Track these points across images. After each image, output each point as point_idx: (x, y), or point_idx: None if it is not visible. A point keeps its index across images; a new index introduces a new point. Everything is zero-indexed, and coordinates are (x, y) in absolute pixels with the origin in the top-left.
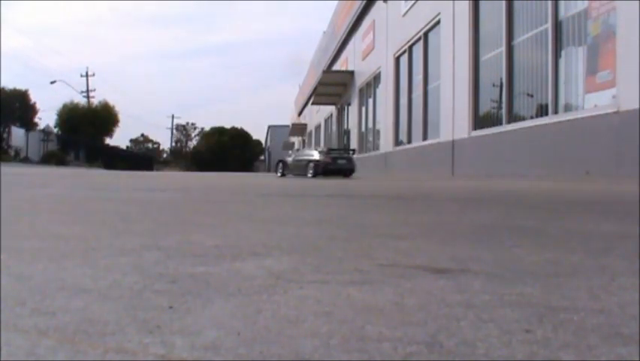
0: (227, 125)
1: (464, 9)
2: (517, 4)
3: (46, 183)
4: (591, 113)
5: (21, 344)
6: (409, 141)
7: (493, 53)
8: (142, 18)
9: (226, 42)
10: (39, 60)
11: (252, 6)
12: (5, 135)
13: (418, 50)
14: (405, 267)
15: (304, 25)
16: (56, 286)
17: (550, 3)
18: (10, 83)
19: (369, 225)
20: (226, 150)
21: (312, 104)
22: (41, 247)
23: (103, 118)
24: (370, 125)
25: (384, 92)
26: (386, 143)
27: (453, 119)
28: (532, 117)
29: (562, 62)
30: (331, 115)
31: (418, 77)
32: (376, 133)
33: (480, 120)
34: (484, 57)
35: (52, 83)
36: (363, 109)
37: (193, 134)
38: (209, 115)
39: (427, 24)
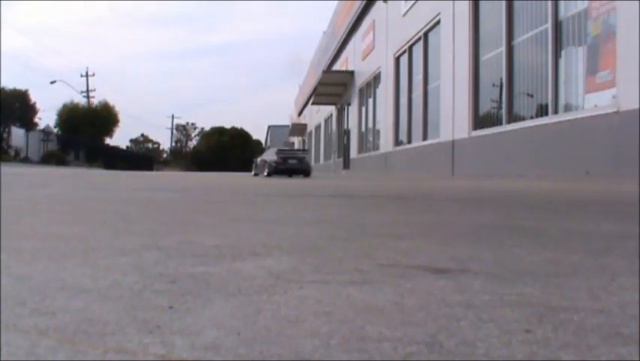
0: (227, 125)
1: (464, 9)
2: (517, 4)
3: (46, 183)
4: (591, 113)
5: (21, 344)
6: (409, 141)
7: (493, 53)
8: (142, 18)
9: (226, 42)
10: (39, 60)
11: (252, 6)
12: (5, 135)
13: (418, 50)
14: (405, 267)
15: (304, 25)
16: (56, 286)
17: (550, 3)
18: (10, 83)
19: (369, 225)
20: (226, 150)
21: (312, 104)
22: (41, 247)
23: (103, 118)
24: (370, 125)
25: (384, 92)
26: (386, 143)
27: (453, 119)
28: (532, 117)
29: (562, 62)
30: (331, 115)
31: (418, 77)
32: (376, 133)
33: (480, 120)
34: (484, 57)
35: (52, 83)
36: (363, 109)
37: (193, 135)
38: (209, 115)
39: (427, 24)
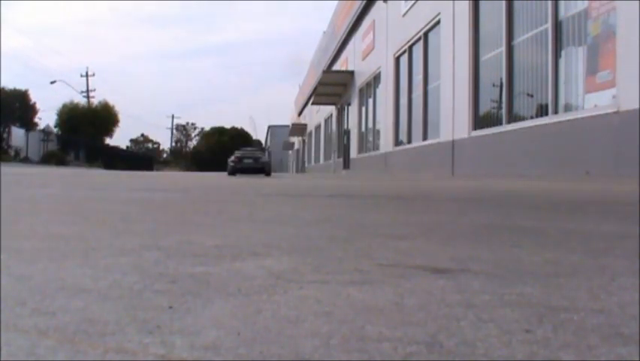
0: (227, 125)
1: (464, 9)
2: (517, 4)
3: (46, 183)
4: (591, 113)
5: (21, 344)
6: (409, 141)
7: (493, 53)
8: (142, 18)
9: (226, 42)
10: (39, 60)
11: (252, 6)
12: (5, 135)
13: (418, 50)
14: (405, 267)
15: (304, 25)
16: (56, 286)
17: (550, 3)
18: (10, 83)
19: (369, 225)
20: (226, 150)
21: (312, 104)
22: (41, 247)
23: (103, 118)
24: (370, 125)
25: (384, 92)
26: (386, 143)
27: (453, 119)
28: (532, 117)
29: (562, 62)
30: (331, 115)
31: (418, 77)
32: (376, 133)
33: (480, 120)
34: (484, 57)
35: (52, 83)
36: (363, 109)
37: (193, 135)
38: (209, 115)
39: (427, 24)
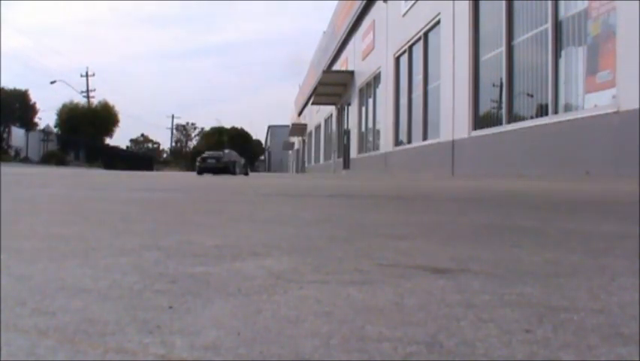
0: (228, 125)
1: (464, 9)
2: (517, 4)
3: (46, 183)
4: (591, 113)
5: (21, 344)
6: (409, 141)
7: (493, 53)
8: (142, 18)
9: (226, 42)
10: (39, 60)
11: (252, 6)
12: (5, 135)
13: (418, 50)
14: (405, 267)
15: (304, 25)
16: (56, 286)
17: (550, 3)
18: (10, 83)
19: (369, 225)
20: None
21: (312, 104)
22: (41, 247)
23: (103, 118)
24: (370, 125)
25: (384, 92)
26: (386, 143)
27: (453, 119)
28: (532, 117)
29: (562, 62)
30: (331, 115)
31: (418, 77)
32: (376, 133)
33: (480, 120)
34: (484, 57)
35: (52, 83)
36: (363, 109)
37: (193, 135)
38: (209, 115)
39: (427, 24)
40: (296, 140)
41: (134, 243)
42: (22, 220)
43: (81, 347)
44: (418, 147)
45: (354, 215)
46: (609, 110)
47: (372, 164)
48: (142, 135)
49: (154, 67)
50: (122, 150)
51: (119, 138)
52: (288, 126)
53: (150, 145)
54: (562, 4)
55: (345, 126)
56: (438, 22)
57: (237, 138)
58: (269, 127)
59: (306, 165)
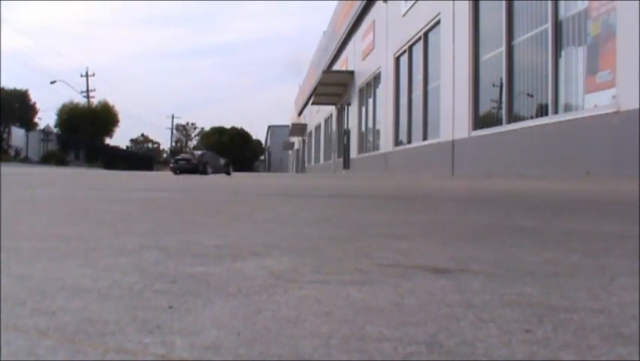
0: (227, 125)
1: (464, 9)
2: (517, 4)
3: (46, 183)
4: (591, 113)
5: (21, 344)
6: (409, 141)
7: (493, 53)
8: (142, 18)
9: (226, 42)
10: (39, 60)
11: (251, 6)
12: (5, 135)
13: (418, 50)
14: (405, 267)
15: (304, 25)
16: (56, 286)
17: (550, 3)
18: (10, 83)
19: (369, 225)
20: (226, 150)
21: (312, 104)
22: (41, 247)
23: (103, 118)
24: (370, 125)
25: (384, 92)
26: (386, 143)
27: (453, 119)
28: (532, 117)
29: (562, 62)
30: (331, 115)
31: (418, 77)
32: (376, 133)
33: (480, 120)
34: (484, 57)
35: (52, 83)
36: (363, 109)
37: (193, 135)
38: (209, 115)
39: (427, 24)
40: (296, 140)
41: (134, 243)
42: (22, 220)
43: (81, 347)
44: (418, 147)
45: (354, 215)
46: (609, 110)
47: (372, 164)
48: (142, 135)
49: (154, 67)
50: (122, 150)
51: (119, 138)
52: (288, 126)
53: (150, 145)
54: (562, 4)
55: (345, 126)
56: (438, 22)
57: (237, 138)
58: (269, 127)
59: (306, 165)
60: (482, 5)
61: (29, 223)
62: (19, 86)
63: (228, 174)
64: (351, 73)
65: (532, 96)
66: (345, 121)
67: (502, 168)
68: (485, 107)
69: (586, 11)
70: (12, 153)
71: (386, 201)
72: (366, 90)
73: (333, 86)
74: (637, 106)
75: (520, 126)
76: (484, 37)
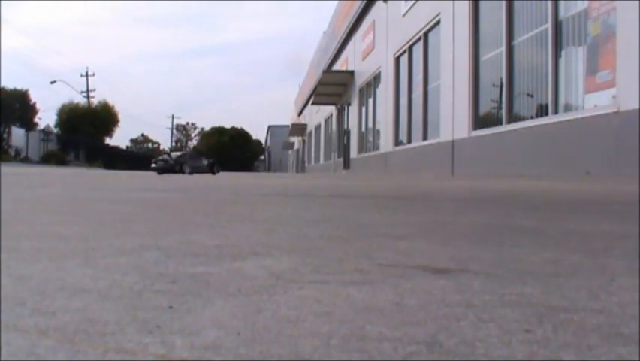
0: (227, 125)
1: (464, 9)
2: (517, 4)
3: (46, 183)
4: (591, 113)
5: (21, 344)
6: (409, 141)
7: (493, 53)
8: (142, 18)
9: (226, 42)
10: (39, 60)
11: (252, 6)
12: (5, 135)
13: (418, 50)
14: (405, 267)
15: (304, 25)
16: (56, 286)
17: (550, 3)
18: (10, 83)
19: (369, 225)
20: (226, 150)
21: (312, 104)
22: (41, 247)
23: (103, 118)
24: (370, 125)
25: (384, 92)
26: (386, 143)
27: (453, 119)
28: (532, 117)
29: (562, 62)
30: (331, 115)
31: (418, 77)
32: (376, 133)
33: (480, 120)
34: (484, 57)
35: (52, 83)
36: (363, 109)
37: (193, 135)
38: (209, 115)
39: (427, 24)
40: (296, 140)
41: (134, 243)
42: (22, 220)
43: (81, 347)
44: (418, 147)
45: (354, 215)
46: (609, 110)
47: (372, 164)
48: (142, 135)
49: (154, 67)
50: (122, 150)
51: (119, 138)
52: (288, 126)
53: (150, 145)
54: (562, 4)
55: (345, 126)
56: (438, 22)
57: (237, 138)
58: (269, 127)
59: (306, 165)
60: (482, 5)
61: (29, 223)
62: (19, 86)
63: (213, 173)
64: (351, 73)
65: (532, 96)
66: (345, 121)
67: (502, 168)
68: (485, 107)
69: (586, 11)
70: (12, 153)
71: (386, 201)
72: (366, 90)
73: (333, 86)
74: (637, 106)
75: (520, 126)
76: (484, 37)
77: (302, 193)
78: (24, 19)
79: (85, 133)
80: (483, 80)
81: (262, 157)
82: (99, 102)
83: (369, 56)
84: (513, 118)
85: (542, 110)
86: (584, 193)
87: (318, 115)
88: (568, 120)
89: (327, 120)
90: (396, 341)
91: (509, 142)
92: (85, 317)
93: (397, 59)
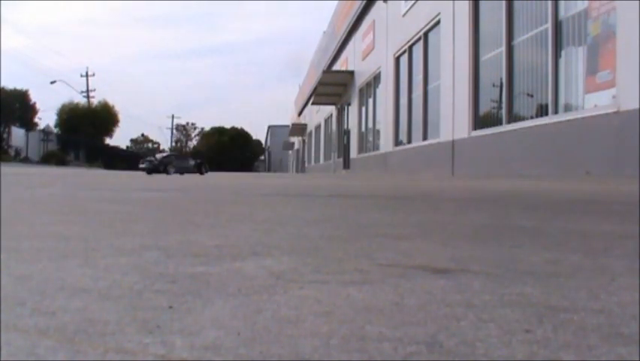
0: (227, 125)
1: (464, 9)
2: (517, 4)
3: (46, 183)
4: (591, 113)
5: (21, 344)
6: (409, 141)
7: (493, 53)
8: (142, 18)
9: (226, 42)
10: (39, 60)
11: (252, 6)
12: (5, 135)
13: (418, 50)
14: (405, 267)
15: (304, 25)
16: (56, 286)
17: (550, 3)
18: (10, 83)
19: (369, 225)
20: (226, 150)
21: (312, 104)
22: (41, 247)
23: (103, 118)
24: (370, 125)
25: (384, 92)
26: (386, 143)
27: (453, 119)
28: (532, 117)
29: (562, 62)
30: (331, 115)
31: (418, 77)
32: (376, 133)
33: (480, 120)
34: (484, 57)
35: (52, 83)
36: (363, 109)
37: (193, 135)
38: (209, 115)
39: (427, 24)
40: (296, 140)
41: (134, 243)
42: (22, 220)
43: (81, 347)
44: (418, 147)
45: (354, 215)
46: (609, 110)
47: (372, 164)
48: (142, 135)
49: (154, 67)
50: (122, 150)
51: (119, 138)
52: (288, 126)
53: (150, 145)
54: (562, 4)
55: (345, 126)
56: (438, 22)
57: (237, 138)
58: (269, 127)
59: (306, 165)
60: (482, 5)
61: (29, 223)
62: (19, 86)
63: (201, 173)
64: (351, 73)
65: (532, 96)
66: (345, 121)
67: (502, 168)
68: (485, 107)
69: (586, 11)
70: (12, 153)
71: (386, 201)
72: (366, 90)
73: (333, 86)
74: (637, 106)
75: (520, 126)
76: (484, 37)
77: (302, 193)
78: (24, 19)
79: (85, 133)
80: (483, 80)
81: (262, 157)
82: (99, 102)
83: (369, 56)
84: (513, 118)
85: (542, 110)
86: (584, 193)
87: (318, 115)
88: (568, 120)
89: (327, 120)
90: (396, 341)
91: (509, 142)
92: (85, 317)
93: (397, 59)
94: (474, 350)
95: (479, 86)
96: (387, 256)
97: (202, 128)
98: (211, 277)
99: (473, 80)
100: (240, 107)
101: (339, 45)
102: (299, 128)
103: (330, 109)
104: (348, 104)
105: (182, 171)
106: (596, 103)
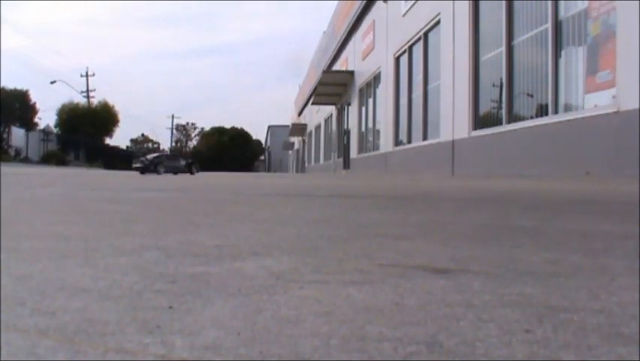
0: (227, 125)
1: (464, 9)
2: (517, 4)
3: (46, 183)
4: (591, 113)
5: (21, 344)
6: (409, 141)
7: (493, 53)
8: (142, 18)
9: (226, 42)
10: (39, 60)
11: (252, 6)
12: (5, 135)
13: (418, 50)
14: (405, 267)
15: (304, 25)
16: (56, 286)
17: (550, 3)
18: (10, 83)
19: (369, 225)
20: (226, 150)
21: (312, 104)
22: (41, 247)
23: (103, 118)
24: (370, 125)
25: (384, 92)
26: (386, 143)
27: (453, 119)
28: (532, 117)
29: (562, 62)
30: (331, 115)
31: (418, 77)
32: (376, 133)
33: (480, 120)
34: (484, 57)
35: (52, 83)
36: (363, 109)
37: (193, 134)
38: (209, 115)
39: (427, 24)
40: (296, 140)
41: (134, 243)
42: (22, 220)
43: (81, 347)
44: (418, 147)
45: (354, 215)
46: (609, 110)
47: (372, 164)
48: (142, 135)
49: (154, 67)
50: (122, 150)
51: (119, 138)
52: (288, 126)
53: (150, 145)
54: (562, 4)
55: (345, 126)
56: (438, 22)
57: (237, 138)
58: (269, 127)
59: (306, 165)
60: (482, 5)
61: (29, 223)
62: (19, 86)
63: (191, 173)
64: (351, 73)
65: (532, 96)
66: (345, 121)
67: (502, 168)
68: (485, 107)
69: (586, 11)
70: (12, 153)
71: (386, 201)
72: (366, 90)
73: (333, 86)
74: (637, 106)
75: (520, 126)
76: (484, 37)
77: (302, 193)
78: (24, 19)
79: (85, 133)
80: (483, 80)
81: (262, 157)
82: (99, 102)
83: (369, 56)
84: (513, 118)
85: (542, 110)
86: (584, 193)
87: (318, 115)
88: (568, 120)
89: (327, 120)
90: (396, 341)
91: (509, 142)
92: (85, 317)
93: (397, 59)
94: (474, 350)
95: (479, 86)
96: (387, 256)
97: (202, 129)
98: (211, 277)
99: (473, 80)
100: (239, 107)
101: (339, 45)
102: (299, 129)
103: (330, 109)
104: (348, 104)
105: (174, 170)
106: (596, 103)
